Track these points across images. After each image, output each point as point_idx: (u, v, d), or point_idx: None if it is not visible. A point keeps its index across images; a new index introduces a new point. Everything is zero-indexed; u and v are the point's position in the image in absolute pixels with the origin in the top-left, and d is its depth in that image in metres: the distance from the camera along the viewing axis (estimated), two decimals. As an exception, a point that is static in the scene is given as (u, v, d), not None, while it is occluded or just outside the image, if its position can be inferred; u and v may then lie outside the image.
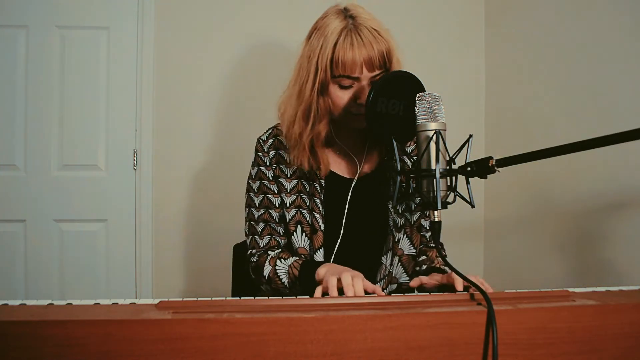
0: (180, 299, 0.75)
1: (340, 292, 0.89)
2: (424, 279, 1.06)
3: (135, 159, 2.18)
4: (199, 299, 0.74)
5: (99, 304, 0.74)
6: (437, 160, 0.86)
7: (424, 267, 1.20)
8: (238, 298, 0.77)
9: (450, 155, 0.90)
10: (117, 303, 0.75)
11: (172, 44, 2.18)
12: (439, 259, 1.21)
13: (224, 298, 0.78)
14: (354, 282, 0.89)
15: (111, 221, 2.18)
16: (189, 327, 0.64)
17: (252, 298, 0.76)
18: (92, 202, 2.16)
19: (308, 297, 0.89)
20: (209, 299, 0.75)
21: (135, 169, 2.18)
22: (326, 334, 0.66)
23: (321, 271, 1.02)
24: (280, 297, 0.78)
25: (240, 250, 1.51)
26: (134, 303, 0.75)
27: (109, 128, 2.16)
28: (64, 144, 2.13)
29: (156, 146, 2.19)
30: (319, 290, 0.93)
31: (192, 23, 2.19)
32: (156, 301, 0.74)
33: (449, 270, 1.16)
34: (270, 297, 0.77)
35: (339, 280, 0.90)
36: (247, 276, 1.25)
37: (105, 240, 2.18)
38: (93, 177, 2.16)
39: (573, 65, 1.76)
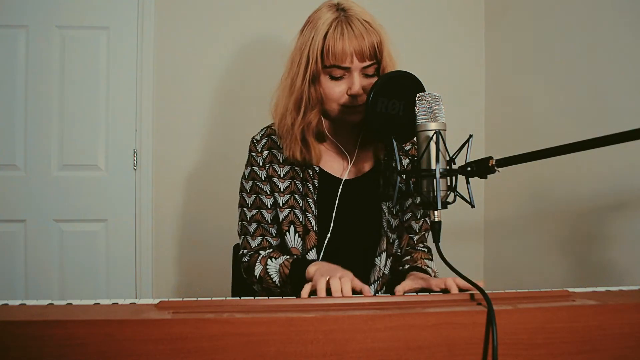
0: (180, 299, 0.75)
1: (329, 293, 0.88)
2: (406, 286, 1.02)
3: (135, 159, 2.18)
4: (199, 299, 0.74)
5: (99, 304, 0.74)
6: (437, 160, 0.86)
7: (407, 266, 1.18)
8: (238, 298, 0.77)
9: (450, 155, 0.90)
10: (117, 303, 0.75)
11: (172, 44, 2.18)
12: (423, 260, 1.20)
13: (224, 298, 0.78)
14: (342, 283, 0.88)
15: (111, 221, 2.18)
16: (189, 327, 0.64)
17: (252, 298, 0.76)
18: (92, 202, 2.16)
19: (308, 297, 0.89)
20: (209, 299, 0.75)
21: (135, 169, 2.18)
22: (326, 334, 0.66)
23: (311, 269, 1.02)
24: (280, 297, 0.78)
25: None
26: (134, 303, 0.75)
27: (109, 128, 2.16)
28: (64, 144, 2.13)
29: (156, 146, 2.19)
30: (306, 289, 0.92)
31: (192, 23, 2.19)
32: (156, 301, 0.74)
33: (432, 272, 1.16)
34: (270, 297, 0.77)
35: (328, 281, 0.90)
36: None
37: (105, 240, 2.18)
38: (93, 177, 2.16)
39: (573, 65, 1.76)
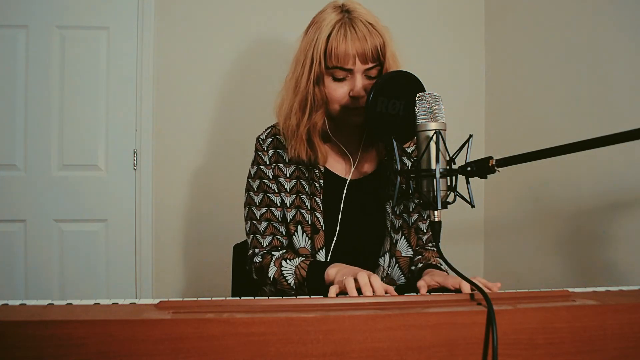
0: (180, 299, 0.75)
1: (359, 291, 0.86)
2: (422, 284, 1.01)
3: (135, 159, 2.18)
4: (199, 299, 0.74)
5: (99, 304, 0.74)
6: (437, 160, 0.86)
7: (420, 265, 1.19)
8: (238, 298, 0.77)
9: (450, 155, 0.90)
10: (117, 303, 0.75)
11: (172, 44, 2.18)
12: (435, 258, 1.21)
13: (224, 298, 0.78)
14: (372, 281, 0.86)
15: (111, 221, 2.18)
16: (189, 327, 0.64)
17: (252, 298, 0.76)
18: (92, 202, 2.16)
19: (308, 297, 0.89)
20: (209, 299, 0.75)
21: (135, 169, 2.18)
22: (326, 334, 0.66)
23: (331, 272, 1.00)
24: (280, 297, 0.78)
25: (240, 251, 1.51)
26: (134, 303, 0.75)
27: (109, 128, 2.16)
28: (64, 144, 2.13)
29: (156, 146, 2.19)
30: (333, 290, 0.90)
31: (192, 23, 2.19)
32: (156, 301, 0.74)
33: (445, 267, 1.17)
34: (270, 297, 0.77)
35: (356, 280, 0.87)
36: (247, 276, 1.25)
37: (105, 240, 2.18)
38: (93, 177, 2.16)
39: (573, 65, 1.76)
